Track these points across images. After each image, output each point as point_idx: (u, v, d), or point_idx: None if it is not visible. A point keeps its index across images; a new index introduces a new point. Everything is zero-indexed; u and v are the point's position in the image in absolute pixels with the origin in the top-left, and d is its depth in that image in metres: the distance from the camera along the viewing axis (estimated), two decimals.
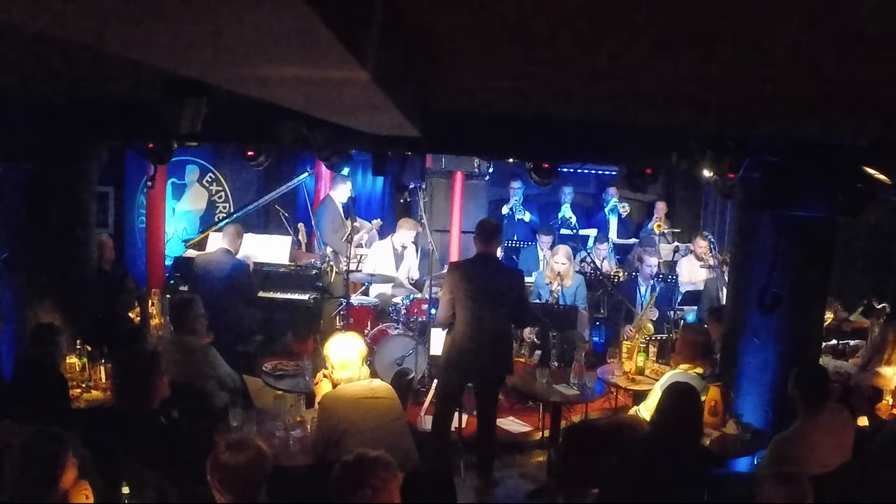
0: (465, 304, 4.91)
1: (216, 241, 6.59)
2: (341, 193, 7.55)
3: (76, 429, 3.51)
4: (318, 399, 3.79)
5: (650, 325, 6.34)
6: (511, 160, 6.61)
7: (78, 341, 4.70)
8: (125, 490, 2.95)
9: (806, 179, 4.39)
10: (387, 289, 7.03)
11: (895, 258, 7.36)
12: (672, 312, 6.83)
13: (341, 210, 7.54)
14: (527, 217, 8.77)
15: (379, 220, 8.06)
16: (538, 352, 6.59)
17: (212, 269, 5.90)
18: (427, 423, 5.34)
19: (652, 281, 6.97)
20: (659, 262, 7.46)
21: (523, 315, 5.32)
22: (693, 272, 7.47)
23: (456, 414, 5.35)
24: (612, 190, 9.12)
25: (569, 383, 5.10)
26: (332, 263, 7.25)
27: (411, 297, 6.63)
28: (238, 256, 6.30)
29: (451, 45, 2.28)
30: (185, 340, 4.51)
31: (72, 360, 4.63)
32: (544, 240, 7.77)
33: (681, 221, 9.37)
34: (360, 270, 7.10)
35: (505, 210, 8.75)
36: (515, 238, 8.34)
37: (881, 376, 4.83)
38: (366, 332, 6.36)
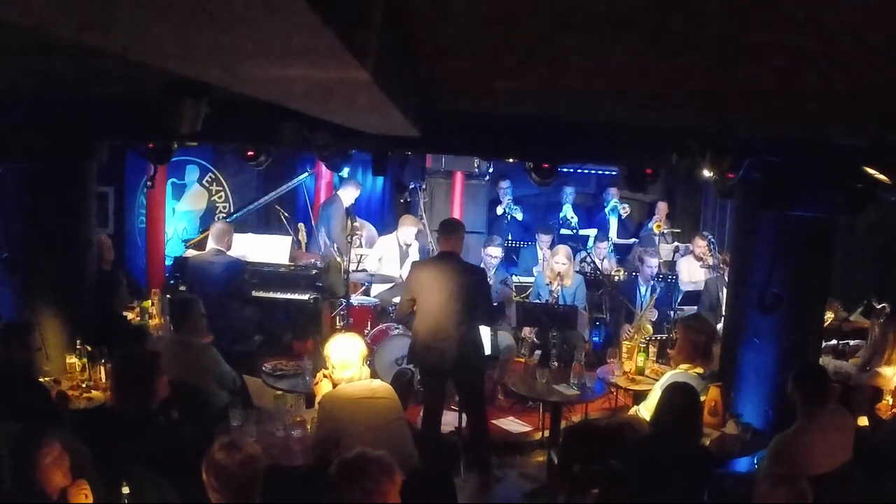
0: (425, 303, 4.98)
1: (211, 242, 6.58)
2: (350, 196, 7.54)
3: (74, 428, 3.51)
4: (318, 399, 3.79)
5: (649, 326, 6.34)
6: (509, 160, 6.60)
7: (78, 341, 4.70)
8: (125, 490, 2.95)
9: (806, 179, 4.39)
10: (387, 290, 7.02)
11: (895, 258, 7.35)
12: (672, 312, 6.83)
13: (345, 211, 7.54)
14: (519, 216, 8.77)
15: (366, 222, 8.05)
16: (538, 352, 6.58)
17: (206, 269, 5.89)
18: None
19: (652, 282, 6.97)
20: (659, 263, 7.45)
21: (489, 313, 5.36)
22: (693, 272, 7.46)
23: (456, 414, 5.36)
24: (612, 190, 9.11)
25: (569, 383, 5.11)
26: (339, 261, 7.23)
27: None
28: (229, 254, 6.27)
29: (451, 45, 2.28)
30: (185, 340, 4.50)
31: (72, 360, 4.63)
32: (543, 238, 7.76)
33: (681, 221, 9.36)
34: (363, 270, 7.09)
35: (500, 210, 8.75)
36: (510, 237, 8.34)
37: (881, 376, 4.83)
38: (366, 332, 6.36)
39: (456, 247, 5.09)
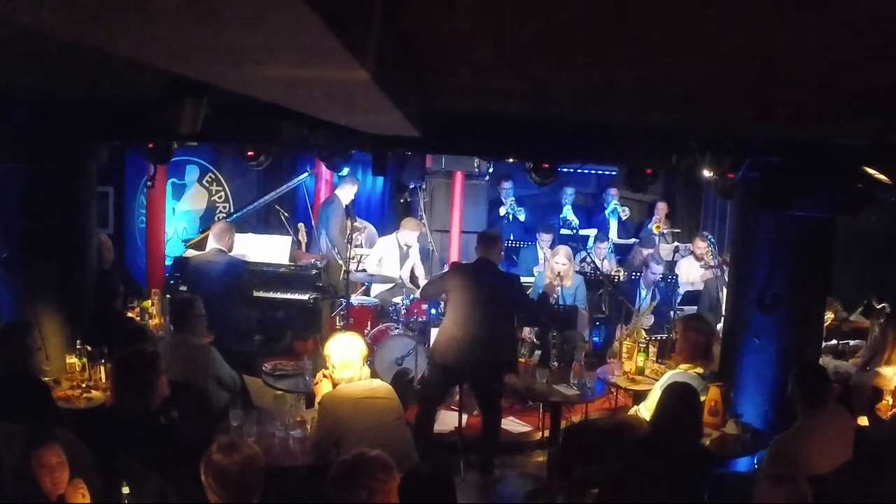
0: (457, 305, 5.07)
1: (212, 242, 6.58)
2: (348, 194, 7.54)
3: (74, 428, 3.51)
4: (318, 399, 3.79)
5: (643, 331, 6.31)
6: (510, 160, 6.61)
7: (78, 341, 4.70)
8: (125, 490, 2.95)
9: (806, 179, 4.39)
10: (387, 290, 7.02)
11: (895, 258, 7.35)
12: (672, 312, 6.82)
13: (345, 210, 7.54)
14: (522, 216, 8.78)
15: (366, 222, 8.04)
16: (538, 352, 6.58)
17: (207, 269, 5.89)
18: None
19: (654, 287, 6.95)
20: (663, 268, 7.42)
21: (529, 314, 5.54)
22: (693, 272, 7.46)
23: (456, 414, 5.37)
24: (612, 191, 9.10)
25: (569, 383, 5.11)
26: (340, 262, 7.23)
27: (411, 297, 6.63)
28: (231, 254, 6.26)
29: (451, 45, 2.28)
30: (185, 340, 4.50)
31: (72, 360, 4.63)
32: (544, 238, 7.75)
33: (681, 221, 9.35)
34: (364, 270, 7.09)
35: (503, 211, 8.74)
36: (512, 238, 8.34)
37: (881, 376, 4.83)
38: (366, 332, 6.35)
39: (493, 256, 5.21)
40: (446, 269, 6.13)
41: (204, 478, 2.57)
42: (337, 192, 7.68)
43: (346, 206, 7.42)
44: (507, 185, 8.68)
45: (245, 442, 2.73)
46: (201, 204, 8.37)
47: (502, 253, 5.40)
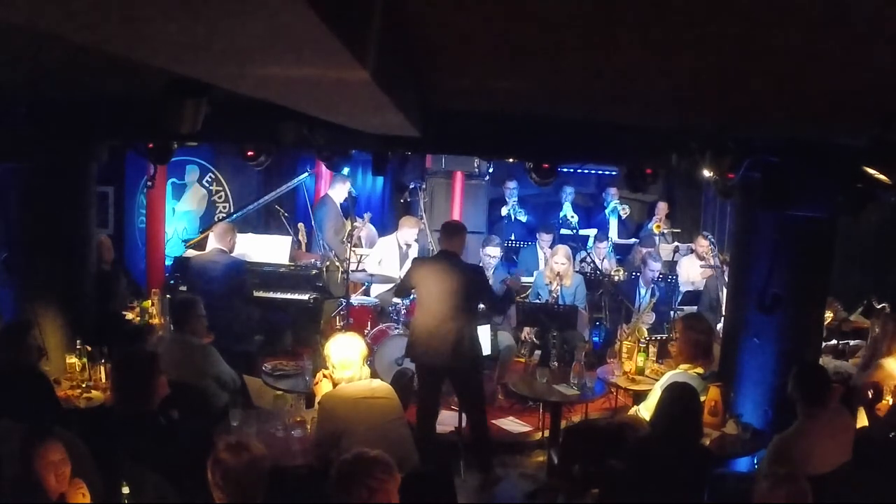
0: (423, 299, 5.08)
1: (213, 242, 6.59)
2: (340, 193, 7.54)
3: (74, 428, 3.51)
4: (318, 399, 3.79)
5: (644, 329, 6.32)
6: (511, 160, 6.61)
7: (78, 341, 4.70)
8: (125, 490, 2.95)
9: (806, 179, 4.39)
10: (387, 290, 7.02)
11: (895, 258, 7.34)
12: (672, 312, 6.82)
13: (340, 210, 7.54)
14: (523, 217, 8.77)
15: (369, 213, 8.02)
16: (538, 352, 6.59)
17: (208, 269, 5.89)
18: None
19: (653, 285, 6.95)
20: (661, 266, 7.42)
21: (495, 305, 5.50)
22: (693, 271, 7.46)
23: (456, 414, 5.36)
24: (612, 190, 9.10)
25: (569, 383, 5.11)
26: (337, 264, 7.24)
27: (411, 297, 6.63)
28: (233, 254, 6.27)
29: (451, 45, 2.28)
30: (185, 340, 4.50)
31: (72, 360, 4.63)
32: (545, 238, 7.74)
33: (681, 221, 9.35)
34: (363, 270, 7.09)
35: (504, 211, 8.74)
36: (513, 238, 8.34)
37: (882, 369, 4.81)
38: (366, 332, 6.35)
39: (456, 248, 5.16)
40: None
41: (211, 476, 2.58)
42: (329, 192, 7.68)
43: (343, 205, 7.41)
44: (511, 184, 8.67)
45: (253, 442, 2.74)
46: (201, 204, 8.37)
47: (464, 242, 5.36)
